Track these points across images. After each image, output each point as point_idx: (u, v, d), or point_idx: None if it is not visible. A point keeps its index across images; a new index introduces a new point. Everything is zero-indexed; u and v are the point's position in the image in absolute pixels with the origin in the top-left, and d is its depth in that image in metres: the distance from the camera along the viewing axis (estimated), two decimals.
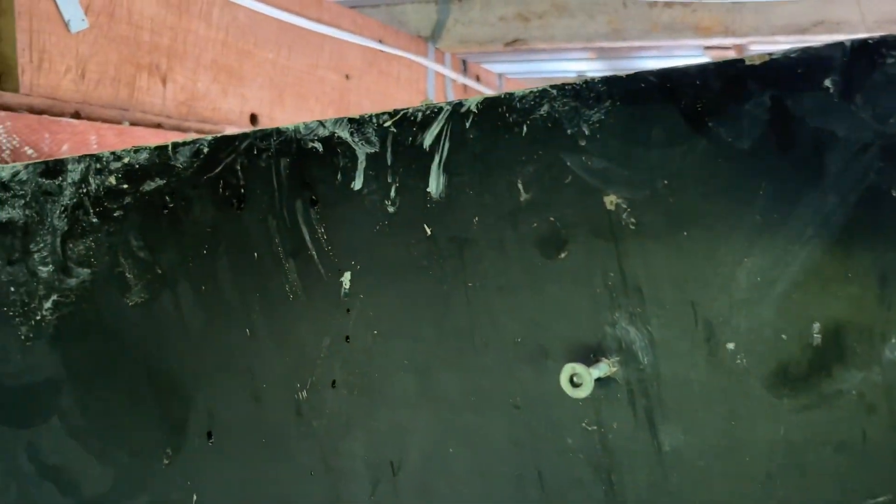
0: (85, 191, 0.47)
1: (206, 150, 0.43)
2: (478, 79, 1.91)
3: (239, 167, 0.42)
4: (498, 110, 0.36)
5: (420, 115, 0.37)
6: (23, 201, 0.50)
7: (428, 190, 0.37)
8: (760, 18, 1.45)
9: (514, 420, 0.36)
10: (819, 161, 0.30)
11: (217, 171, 0.43)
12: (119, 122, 0.90)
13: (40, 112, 0.81)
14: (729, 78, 0.31)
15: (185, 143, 0.44)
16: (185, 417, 0.44)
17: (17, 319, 0.50)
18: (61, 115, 0.83)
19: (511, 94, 0.36)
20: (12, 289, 0.51)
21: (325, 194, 0.40)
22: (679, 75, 0.32)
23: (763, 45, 1.70)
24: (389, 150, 0.38)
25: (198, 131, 1.02)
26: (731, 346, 0.32)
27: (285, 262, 0.41)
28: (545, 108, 0.35)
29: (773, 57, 0.31)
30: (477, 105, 0.36)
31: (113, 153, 0.46)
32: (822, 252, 0.30)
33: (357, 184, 0.39)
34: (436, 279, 0.37)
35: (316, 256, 0.40)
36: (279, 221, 0.41)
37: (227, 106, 1.08)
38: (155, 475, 0.45)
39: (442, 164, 0.37)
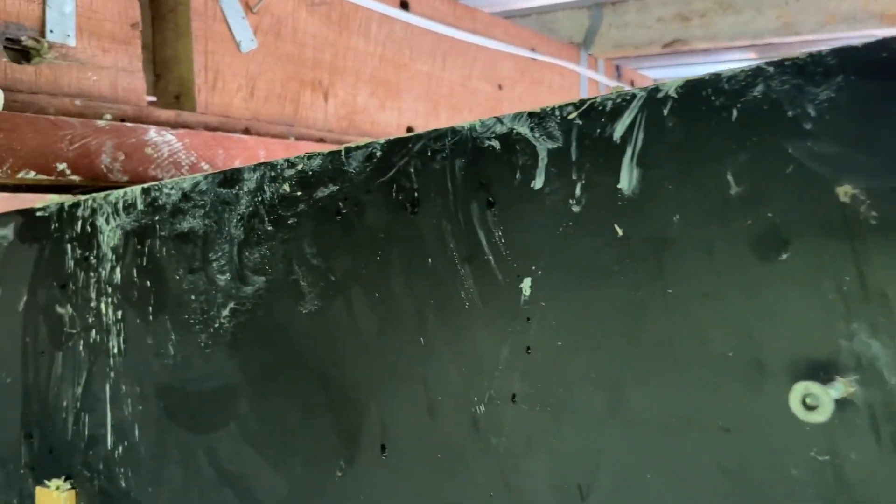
0: (260, 199, 0.48)
1: (378, 153, 0.42)
2: (632, 84, 1.84)
3: (412, 170, 0.41)
4: (702, 94, 0.32)
5: (610, 103, 0.34)
6: (202, 211, 0.51)
7: (619, 186, 0.34)
8: None
9: (724, 445, 0.32)
10: None
11: (390, 174, 0.42)
12: (286, 138, 0.93)
13: (214, 129, 0.85)
14: None
15: (357, 148, 0.43)
16: (359, 428, 0.43)
17: (197, 327, 0.52)
18: (233, 131, 0.87)
19: (717, 75, 0.32)
20: (193, 297, 0.52)
21: (503, 195, 0.38)
22: None
23: None
24: (574, 144, 0.35)
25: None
26: None
27: (461, 268, 0.39)
28: (760, 88, 0.30)
29: None
30: (676, 89, 0.32)
31: (287, 160, 0.46)
32: None
33: (538, 182, 0.36)
34: (628, 285, 0.34)
35: (493, 261, 0.38)
36: (454, 225, 0.39)
37: (384, 119, 1.09)
38: (329, 487, 0.44)
39: (635, 156, 0.33)
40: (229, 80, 0.87)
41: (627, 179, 0.34)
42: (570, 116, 0.35)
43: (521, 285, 0.37)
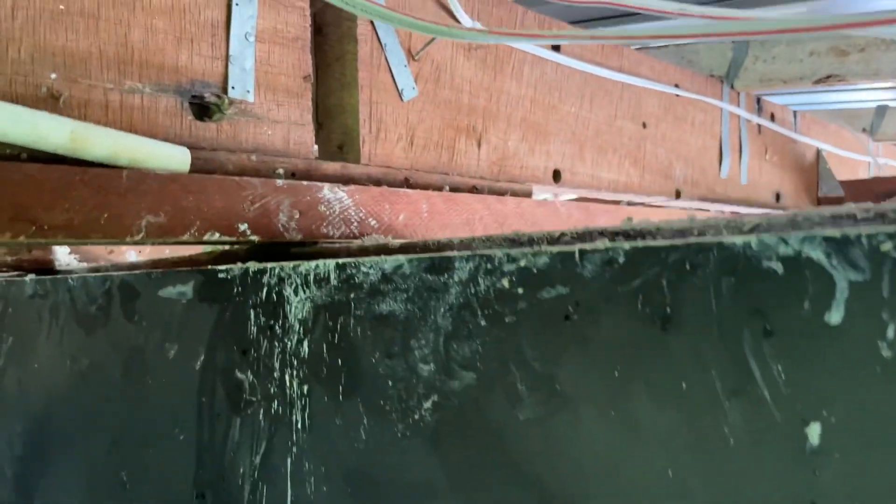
0: (473, 291, 0.45)
1: (621, 259, 0.39)
2: (772, 117, 1.74)
3: (665, 282, 0.37)
4: None
5: None
6: (405, 295, 0.49)
7: None
8: None
9: None
10: None
11: (636, 284, 0.38)
12: (441, 187, 0.91)
13: (377, 181, 0.84)
14: None
15: (594, 251, 0.40)
16: None
17: (393, 415, 0.49)
18: (394, 182, 0.85)
19: None
20: (390, 383, 0.50)
21: (785, 325, 0.33)
22: None
23: None
24: (887, 279, 0.31)
25: (505, 192, 1.00)
26: None
27: (724, 400, 0.35)
28: None
29: None
30: None
31: (508, 255, 0.43)
32: None
33: (834, 317, 0.32)
34: None
35: (769, 398, 0.34)
36: (718, 352, 0.35)
37: (533, 163, 1.06)
38: None
39: None
40: (391, 130, 0.85)
41: None
42: (884, 248, 0.31)
43: (808, 430, 0.33)
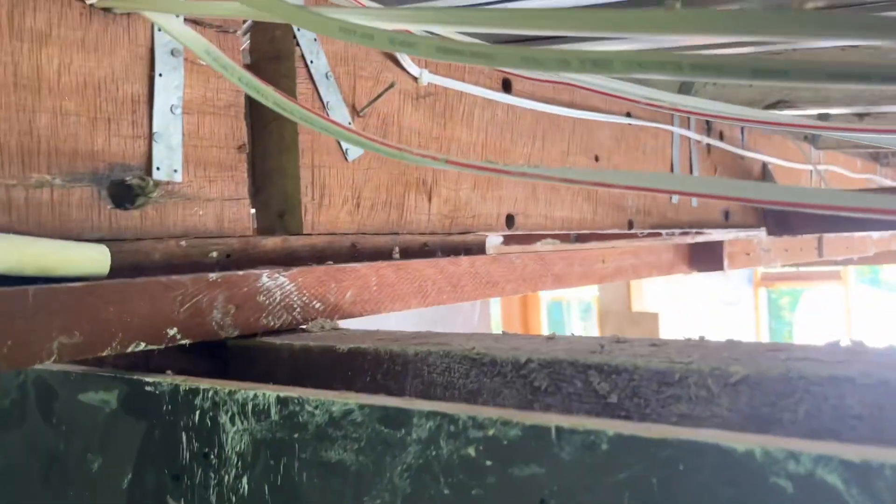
0: (435, 454, 0.40)
1: (604, 446, 0.34)
2: (721, 136, 1.73)
3: (655, 481, 0.32)
4: None
5: None
6: (356, 445, 0.44)
7: None
8: None
9: None
10: None
11: (621, 477, 0.33)
12: (391, 249, 0.85)
13: (321, 251, 0.78)
14: None
15: (574, 432, 0.35)
16: None
17: None
18: (340, 250, 0.79)
19: None
20: None
21: None
22: None
23: None
24: None
25: (458, 245, 0.96)
26: None
27: None
28: None
29: None
30: None
31: (472, 418, 0.38)
32: None
33: None
34: None
35: None
36: None
37: (485, 211, 1.01)
38: None
39: None
40: (336, 195, 0.79)
41: None
42: None
43: None
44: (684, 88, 1.53)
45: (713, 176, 1.49)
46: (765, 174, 1.99)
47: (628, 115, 1.36)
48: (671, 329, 4.20)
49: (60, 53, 0.57)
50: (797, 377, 0.38)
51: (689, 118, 1.57)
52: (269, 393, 0.49)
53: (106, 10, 0.59)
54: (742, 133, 1.87)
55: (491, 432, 0.38)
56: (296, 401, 0.47)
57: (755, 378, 0.39)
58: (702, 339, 0.50)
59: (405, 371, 0.55)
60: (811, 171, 2.37)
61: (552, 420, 0.36)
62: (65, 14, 0.57)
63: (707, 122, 1.67)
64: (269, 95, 0.52)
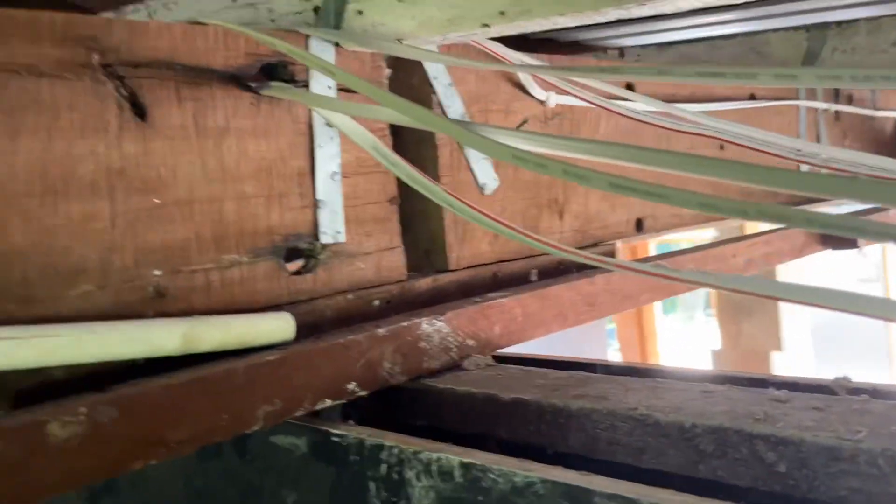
0: None
1: None
2: (850, 100, 1.66)
3: None
4: None
5: None
6: None
7: None
8: None
9: None
10: None
11: None
12: (527, 275, 0.89)
13: (467, 285, 0.82)
14: None
15: None
16: None
17: None
18: (483, 282, 0.84)
19: None
20: None
21: None
22: None
23: None
24: None
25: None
26: None
27: None
28: None
29: None
30: None
31: None
32: None
33: None
34: None
35: None
36: None
37: (615, 219, 1.03)
38: None
39: None
40: (476, 228, 0.84)
41: None
42: None
43: None
44: (809, 55, 1.47)
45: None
46: None
47: (752, 97, 1.32)
48: (799, 311, 3.97)
49: (238, 144, 0.63)
50: None
51: (814, 92, 1.51)
52: (452, 457, 0.54)
53: (270, 96, 0.65)
54: (872, 93, 1.77)
55: None
56: (478, 467, 0.52)
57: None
58: (867, 398, 0.51)
59: (568, 425, 0.59)
60: None
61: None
62: (238, 107, 0.63)
63: (836, 89, 1.60)
64: (436, 192, 0.56)
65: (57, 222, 0.53)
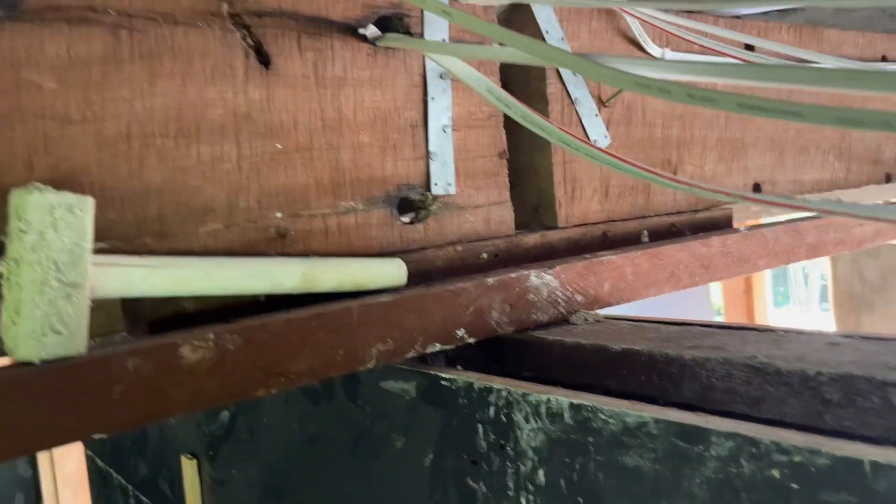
0: (736, 471, 0.43)
1: None
2: None
3: None
4: None
5: None
6: (652, 455, 0.48)
7: None
8: None
9: None
10: None
11: None
12: (638, 235, 0.87)
13: (576, 243, 0.82)
14: None
15: (891, 468, 0.36)
16: None
17: None
18: (592, 240, 0.83)
19: None
20: None
21: None
22: None
23: None
24: None
25: (705, 221, 0.95)
26: None
27: None
28: None
29: None
30: None
31: (776, 444, 0.41)
32: None
33: None
34: None
35: None
36: None
37: (731, 182, 0.99)
38: None
39: None
40: (586, 186, 0.83)
41: None
42: None
43: None
44: None
45: None
46: None
47: (884, 58, 1.24)
48: None
49: (355, 93, 0.65)
50: None
51: None
52: (562, 399, 0.54)
53: (387, 48, 0.66)
54: None
55: (797, 458, 0.40)
56: (589, 408, 0.52)
57: None
58: None
59: (682, 374, 0.57)
60: None
61: (865, 454, 0.38)
62: (356, 58, 0.65)
63: None
64: (551, 131, 0.56)
65: (189, 163, 0.57)
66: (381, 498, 0.75)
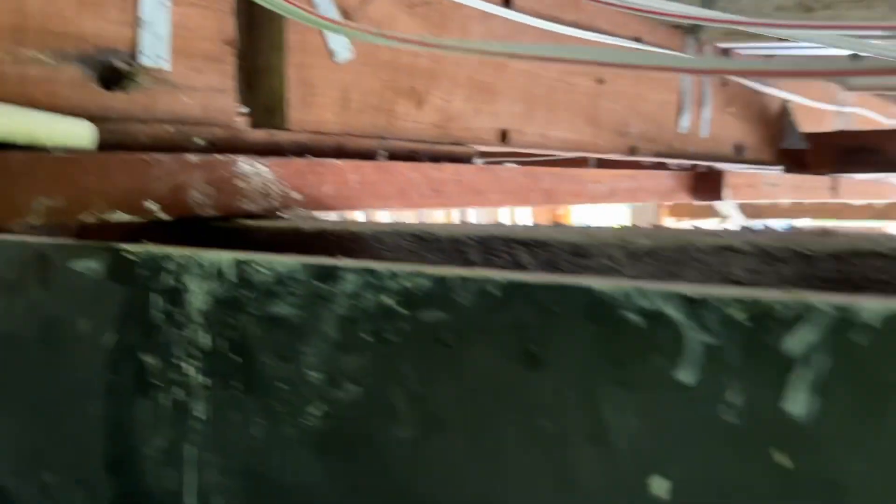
0: (359, 305, 0.44)
1: (496, 293, 0.38)
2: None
3: (536, 322, 0.36)
4: None
5: (788, 312, 0.29)
6: (297, 300, 0.48)
7: (788, 409, 0.29)
8: None
9: None
10: None
11: (507, 320, 0.37)
12: (375, 154, 0.89)
13: (306, 148, 0.81)
14: None
15: (473, 280, 0.39)
16: None
17: (285, 417, 0.49)
18: (325, 149, 0.83)
19: None
20: (283, 385, 0.49)
21: (640, 378, 0.33)
22: None
23: None
24: (736, 347, 0.30)
25: (450, 155, 0.98)
26: None
27: (581, 445, 0.35)
28: None
29: None
30: (882, 319, 0.27)
31: (392, 272, 0.42)
32: None
33: (685, 376, 0.31)
34: None
35: (619, 449, 0.33)
36: (579, 398, 0.35)
37: (478, 124, 1.04)
38: None
39: (814, 381, 0.28)
40: (323, 94, 0.82)
41: (799, 404, 0.29)
42: (736, 316, 0.30)
43: (651, 484, 0.33)
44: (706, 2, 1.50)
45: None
46: (784, 113, 1.97)
47: (637, 40, 1.35)
48: None
49: None
50: (692, 248, 0.41)
51: (701, 48, 1.56)
52: (228, 256, 0.53)
53: None
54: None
55: (405, 283, 0.42)
56: (249, 262, 0.51)
57: (656, 249, 0.43)
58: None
59: (361, 248, 0.59)
60: (837, 112, 2.32)
61: (457, 272, 0.40)
62: None
63: (724, 51, 1.65)
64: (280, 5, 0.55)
65: None
66: (65, 384, 0.70)
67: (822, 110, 2.23)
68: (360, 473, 0.45)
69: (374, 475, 0.44)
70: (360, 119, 0.87)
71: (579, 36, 1.19)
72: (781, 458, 0.29)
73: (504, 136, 1.08)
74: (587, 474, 0.35)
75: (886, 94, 2.56)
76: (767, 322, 0.29)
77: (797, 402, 0.29)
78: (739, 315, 0.30)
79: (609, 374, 0.34)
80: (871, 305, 0.27)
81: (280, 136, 0.79)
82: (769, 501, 0.29)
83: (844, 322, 0.27)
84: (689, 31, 1.51)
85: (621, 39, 1.29)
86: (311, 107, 0.82)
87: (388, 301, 0.43)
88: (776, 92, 1.88)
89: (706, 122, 1.60)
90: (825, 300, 0.28)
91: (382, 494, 0.44)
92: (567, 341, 0.35)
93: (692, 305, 0.31)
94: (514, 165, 1.06)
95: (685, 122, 1.52)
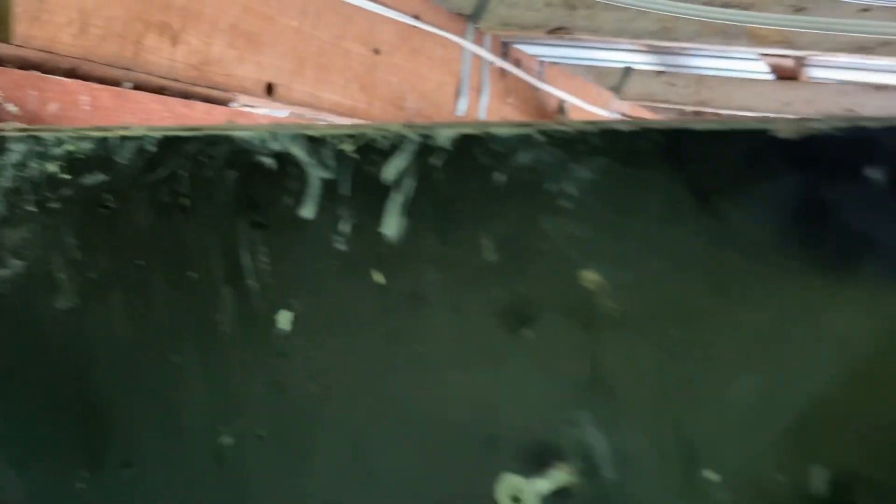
0: (25, 175, 0.43)
1: (151, 149, 0.38)
2: (518, 63, 1.83)
3: (185, 173, 0.37)
4: (473, 151, 0.30)
5: (386, 142, 0.32)
6: None
7: (383, 232, 0.32)
8: (821, 34, 1.35)
9: None
10: (853, 271, 0.24)
11: (162, 174, 0.38)
12: (119, 83, 0.85)
13: (33, 65, 0.76)
14: (751, 151, 0.25)
15: (131, 138, 0.39)
16: (105, 442, 0.40)
17: None
18: (55, 70, 0.78)
19: (491, 134, 0.30)
20: None
21: (272, 218, 0.35)
22: (691, 140, 0.26)
23: (824, 60, 1.60)
24: (347, 179, 0.33)
25: (206, 97, 0.97)
26: (713, 476, 0.26)
27: (221, 289, 0.36)
28: (527, 155, 0.29)
29: (811, 131, 0.24)
30: (452, 141, 0.30)
31: (57, 138, 0.41)
32: (842, 384, 0.24)
33: (307, 211, 0.34)
34: (383, 336, 0.32)
35: (254, 288, 0.35)
36: (220, 242, 0.36)
37: (242, 73, 1.03)
38: (68, 498, 0.41)
39: (402, 204, 0.31)
40: (57, 13, 0.78)
41: (392, 226, 0.32)
42: (347, 149, 0.33)
43: (279, 317, 0.35)
44: (480, 4, 1.59)
45: None
46: (561, 111, 2.13)
47: (417, 17, 1.40)
48: None
49: None
50: None
51: (482, 36, 1.65)
52: None
53: None
54: (541, 66, 1.98)
55: (70, 148, 0.41)
56: None
57: None
58: None
59: None
60: (610, 116, 2.55)
61: (118, 132, 0.40)
62: None
63: (504, 45, 1.76)
64: None
65: None
66: None
67: (596, 114, 2.44)
68: (21, 355, 0.43)
69: (35, 356, 0.43)
70: (102, 46, 0.83)
71: (355, 4, 1.22)
72: (378, 277, 0.32)
73: (270, 89, 1.08)
74: (231, 315, 0.36)
75: (655, 105, 2.85)
76: (370, 153, 0.32)
77: (391, 226, 0.32)
78: (349, 148, 0.32)
79: (246, 218, 0.35)
80: (445, 132, 0.30)
81: (4, 49, 0.73)
82: (370, 317, 0.32)
83: (427, 147, 0.31)
84: (471, 17, 1.59)
85: (399, 14, 1.33)
86: (43, 24, 0.77)
87: (53, 168, 0.41)
88: (553, 90, 2.03)
89: (483, 109, 1.69)
90: (415, 130, 0.31)
91: (47, 376, 0.42)
92: (212, 189, 0.36)
93: (313, 143, 0.33)
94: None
95: (463, 106, 1.60)
